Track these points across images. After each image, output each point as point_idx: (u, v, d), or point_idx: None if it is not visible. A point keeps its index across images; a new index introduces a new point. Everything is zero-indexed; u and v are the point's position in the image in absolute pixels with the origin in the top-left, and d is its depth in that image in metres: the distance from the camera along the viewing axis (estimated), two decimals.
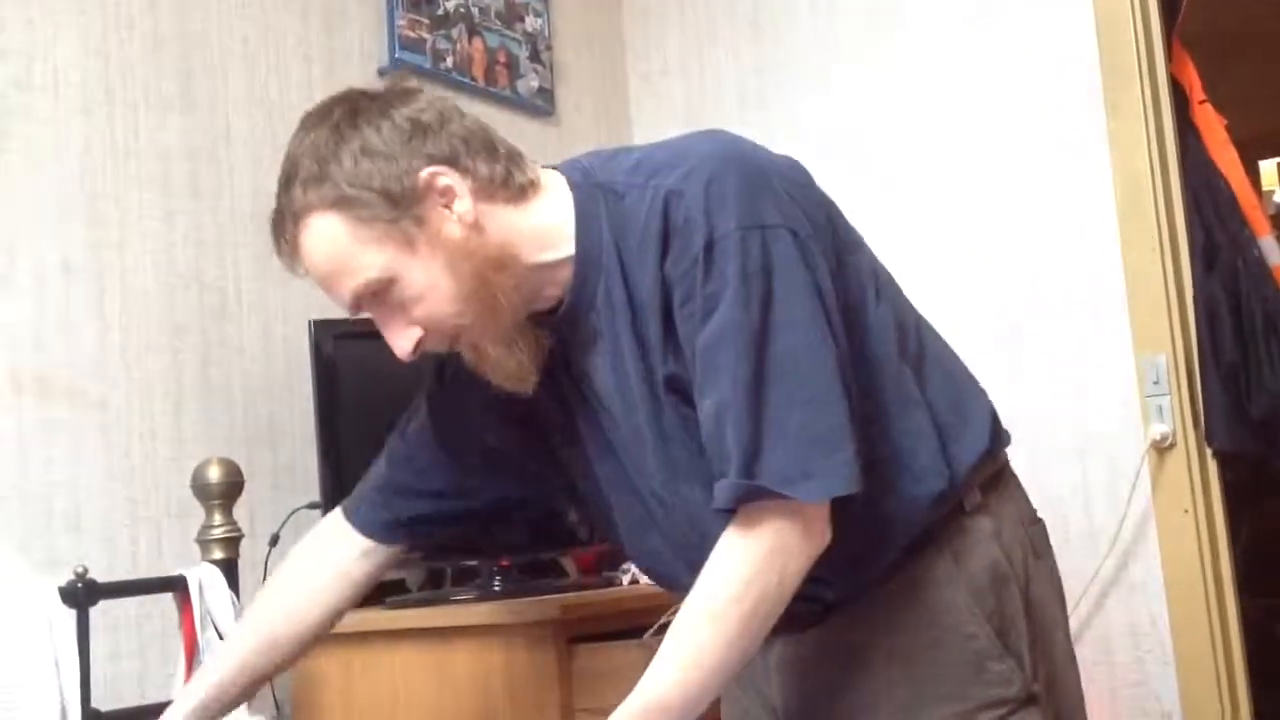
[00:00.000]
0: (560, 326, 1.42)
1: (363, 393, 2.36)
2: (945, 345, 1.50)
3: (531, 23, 3.09)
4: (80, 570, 1.84)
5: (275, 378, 2.46)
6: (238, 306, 2.43)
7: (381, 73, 2.74)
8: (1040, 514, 1.53)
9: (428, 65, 2.83)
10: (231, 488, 2.10)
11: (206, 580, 2.03)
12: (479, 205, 1.36)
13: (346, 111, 1.37)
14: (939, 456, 1.38)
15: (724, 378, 1.27)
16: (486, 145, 1.39)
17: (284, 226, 1.38)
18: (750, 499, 1.26)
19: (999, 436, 1.47)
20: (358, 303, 1.38)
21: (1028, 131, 2.79)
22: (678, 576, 1.42)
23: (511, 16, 3.05)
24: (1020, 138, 2.79)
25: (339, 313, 2.62)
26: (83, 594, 1.83)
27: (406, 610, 2.23)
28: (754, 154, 1.35)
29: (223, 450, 2.26)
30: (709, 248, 1.28)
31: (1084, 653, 2.57)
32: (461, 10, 2.92)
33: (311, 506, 2.37)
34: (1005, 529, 1.44)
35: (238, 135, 2.48)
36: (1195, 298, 2.64)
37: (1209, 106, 2.79)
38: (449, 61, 2.88)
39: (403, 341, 1.39)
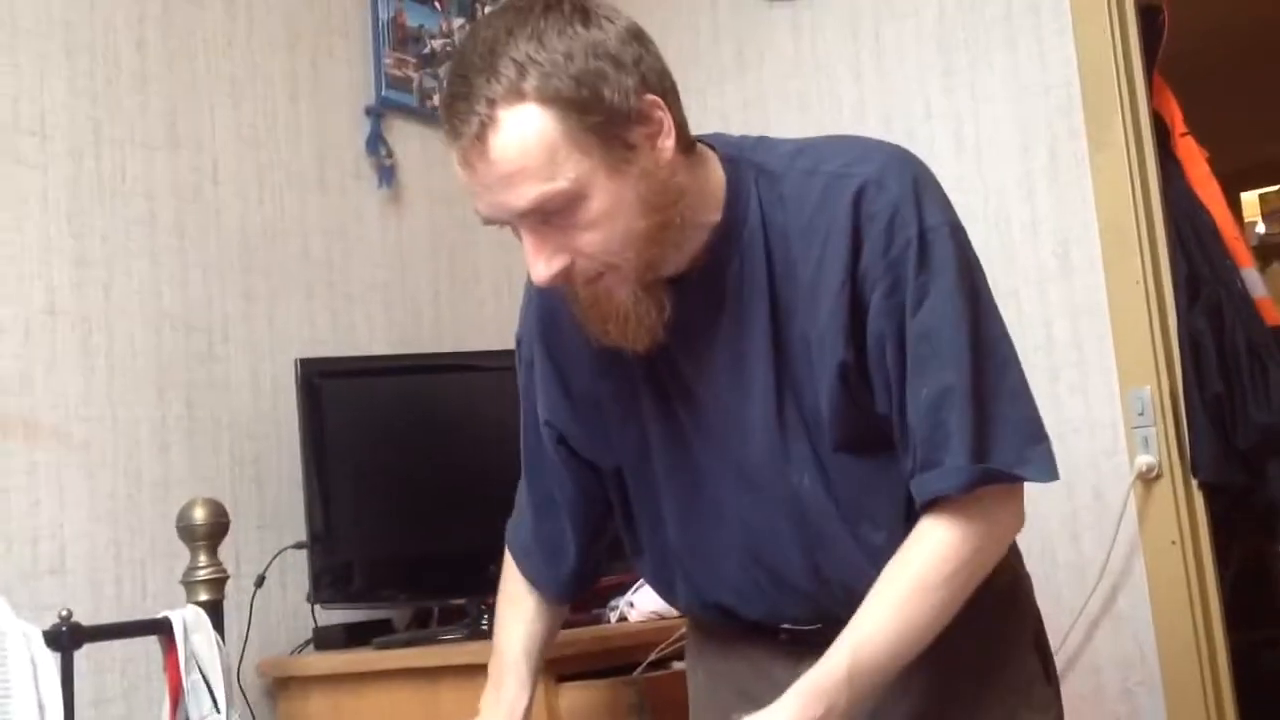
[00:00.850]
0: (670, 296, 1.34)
1: (350, 431, 2.36)
2: None
3: None
4: (64, 613, 1.83)
5: (261, 417, 2.46)
6: (224, 346, 2.42)
7: (368, 112, 2.75)
8: (1027, 545, 1.55)
9: (414, 104, 2.84)
10: (217, 528, 2.09)
11: (192, 622, 2.01)
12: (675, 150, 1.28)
13: (574, 4, 1.24)
14: None
15: (946, 365, 1.28)
16: (675, 88, 1.31)
17: (475, 107, 1.21)
18: (981, 483, 1.27)
19: None
20: (531, 212, 1.23)
21: (1011, 166, 2.80)
22: (724, 579, 1.43)
23: None
24: (1004, 172, 2.81)
25: (326, 350, 2.63)
26: (67, 637, 1.82)
27: (394, 650, 2.22)
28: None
29: (208, 490, 2.25)
30: (922, 237, 1.28)
31: (1073, 685, 2.57)
32: (447, 48, 2.93)
33: (298, 546, 2.37)
34: (1019, 560, 1.51)
35: (225, 174, 2.48)
36: (1179, 330, 2.65)
37: (1190, 139, 2.81)
38: (435, 100, 2.89)
39: (549, 266, 1.26)
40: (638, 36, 1.27)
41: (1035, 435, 1.31)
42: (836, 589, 1.38)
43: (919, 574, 1.28)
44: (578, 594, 1.62)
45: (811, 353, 1.32)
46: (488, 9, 3.04)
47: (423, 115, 2.84)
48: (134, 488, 2.25)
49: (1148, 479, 2.62)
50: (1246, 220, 5.46)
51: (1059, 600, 2.58)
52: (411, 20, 2.87)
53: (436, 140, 1.34)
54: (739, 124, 3.13)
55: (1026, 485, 1.48)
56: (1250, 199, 5.56)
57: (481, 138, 1.21)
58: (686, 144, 1.31)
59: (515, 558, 1.62)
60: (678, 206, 1.28)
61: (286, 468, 2.44)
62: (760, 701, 1.28)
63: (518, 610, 1.60)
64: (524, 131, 1.20)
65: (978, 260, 1.35)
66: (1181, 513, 2.60)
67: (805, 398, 1.34)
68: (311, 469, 2.32)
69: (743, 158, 1.37)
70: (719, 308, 1.35)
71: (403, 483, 2.39)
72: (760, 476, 1.38)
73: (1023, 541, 1.54)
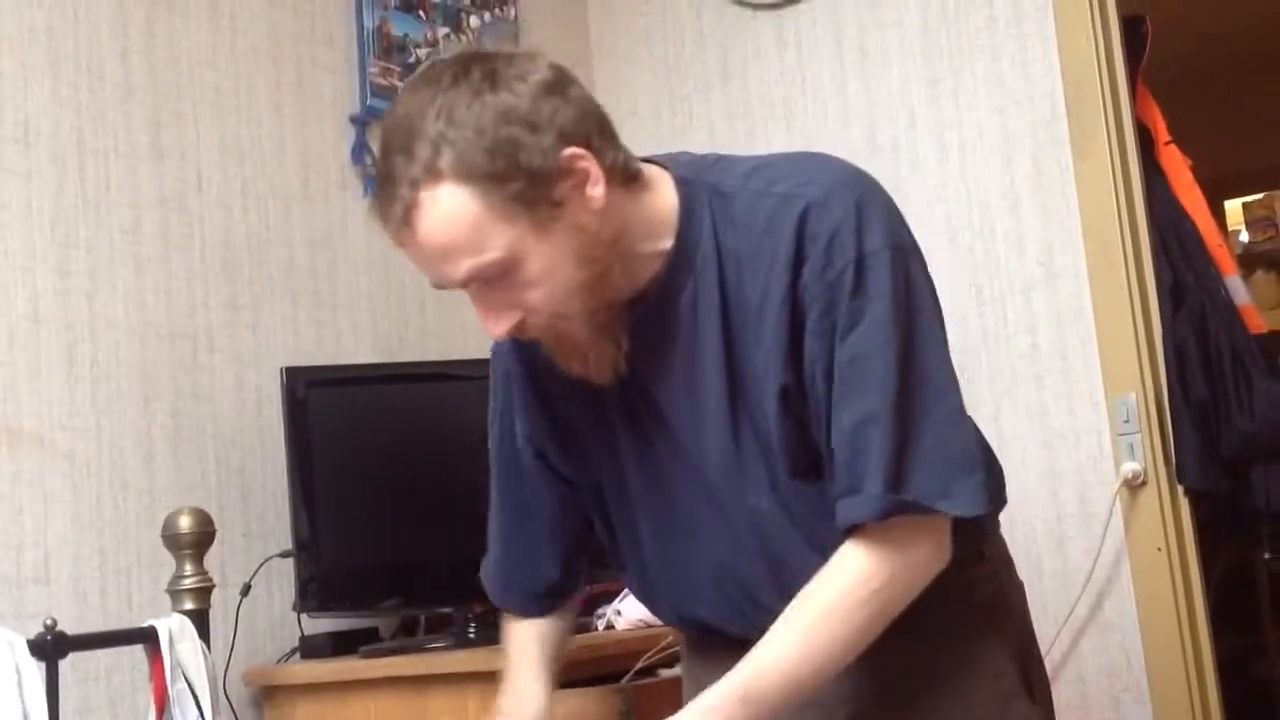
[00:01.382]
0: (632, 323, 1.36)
1: (335, 440, 2.36)
2: None
3: None
4: (49, 622, 1.82)
5: (247, 426, 2.45)
6: (209, 354, 2.42)
7: (353, 121, 2.75)
8: (1013, 553, 1.55)
9: None
10: (203, 537, 2.08)
11: (177, 631, 2.01)
12: (607, 191, 1.27)
13: (485, 75, 1.24)
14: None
15: (872, 392, 1.26)
16: (604, 125, 1.31)
17: (397, 193, 1.23)
18: (895, 513, 1.26)
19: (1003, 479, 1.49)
20: (468, 282, 1.27)
21: (996, 174, 2.81)
22: (700, 595, 1.43)
23: None
24: (988, 181, 2.81)
25: (310, 359, 2.63)
26: (51, 646, 1.81)
27: (381, 659, 2.22)
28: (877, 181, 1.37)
29: (194, 499, 2.25)
30: (860, 262, 1.27)
31: (1060, 692, 2.56)
32: (433, 58, 2.92)
33: (284, 555, 2.36)
34: (1008, 571, 1.49)
35: (209, 184, 2.48)
36: (1164, 337, 2.66)
37: (1174, 147, 2.82)
38: None
39: (501, 324, 1.30)
40: (552, 88, 1.26)
41: (966, 466, 1.29)
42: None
43: (827, 601, 1.28)
44: (559, 607, 1.62)
45: (760, 377, 1.33)
46: (473, 18, 3.05)
47: None
48: (119, 496, 2.24)
49: (1133, 486, 2.63)
50: (1230, 228, 5.47)
51: (1045, 608, 2.59)
52: (397, 29, 2.87)
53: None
54: (724, 132, 3.14)
55: (1011, 493, 1.48)
56: (1234, 207, 5.58)
57: (407, 220, 1.23)
58: (627, 176, 1.31)
59: (491, 591, 1.62)
60: (617, 249, 1.29)
61: (272, 476, 2.44)
62: None
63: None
64: (446, 210, 1.22)
65: (926, 284, 1.33)
66: (1167, 519, 2.61)
67: (759, 422, 1.34)
68: (297, 477, 2.31)
69: (698, 179, 1.36)
70: (675, 332, 1.35)
71: (389, 491, 2.38)
72: (721, 497, 1.39)
73: (1008, 549, 1.54)
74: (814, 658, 1.27)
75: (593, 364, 1.34)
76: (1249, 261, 5.20)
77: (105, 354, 2.26)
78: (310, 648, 2.37)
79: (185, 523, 2.07)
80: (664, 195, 1.35)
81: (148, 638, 2.00)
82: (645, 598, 1.56)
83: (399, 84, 2.84)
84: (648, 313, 1.35)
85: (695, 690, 1.55)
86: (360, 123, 2.76)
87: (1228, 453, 2.64)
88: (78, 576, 2.17)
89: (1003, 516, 1.55)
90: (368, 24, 2.80)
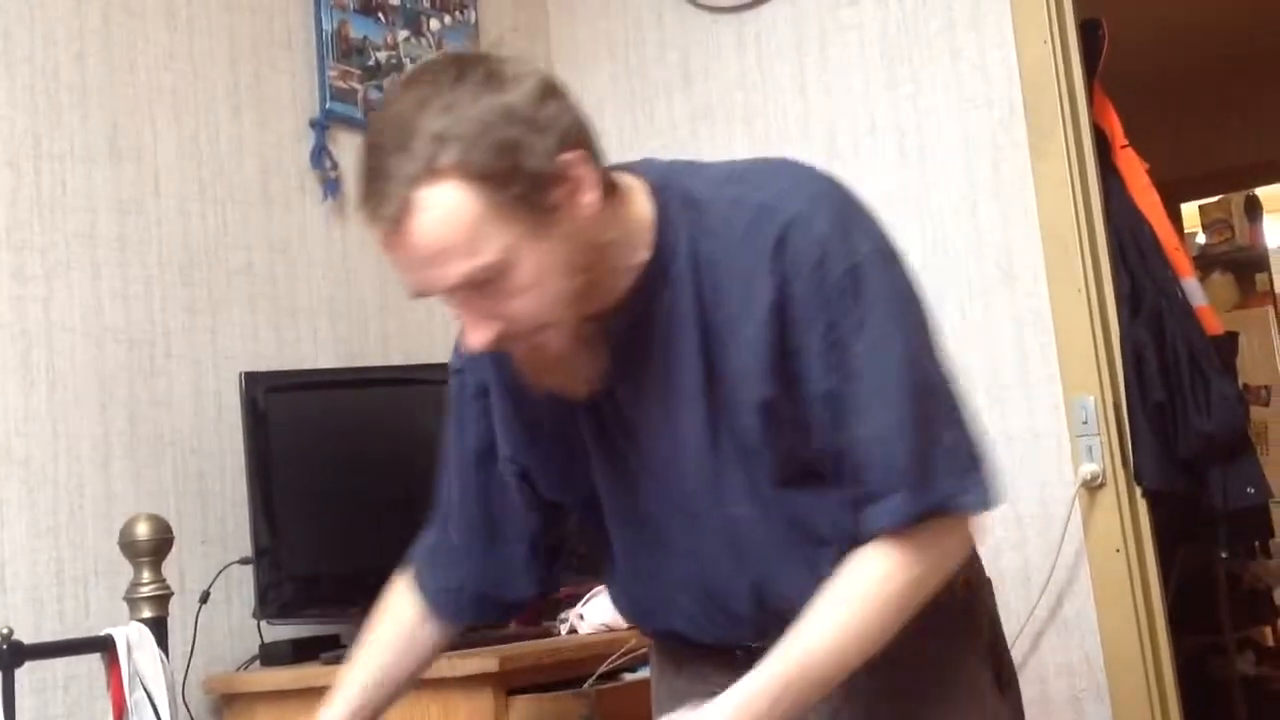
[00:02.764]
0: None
1: (295, 446, 2.34)
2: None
3: None
4: (5, 631, 1.81)
5: (205, 432, 2.43)
6: (166, 360, 2.40)
7: (312, 124, 2.74)
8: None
9: (359, 116, 2.82)
10: (161, 544, 2.07)
11: (135, 639, 1.99)
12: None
13: (485, 70, 1.21)
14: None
15: (889, 400, 1.27)
16: (593, 133, 1.28)
17: (389, 190, 1.19)
18: (924, 518, 1.27)
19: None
20: (459, 288, 1.22)
21: (955, 177, 2.82)
22: (674, 606, 1.43)
23: None
24: (947, 184, 2.83)
25: (270, 364, 2.61)
26: (8, 656, 1.80)
27: (343, 666, 2.20)
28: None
29: (151, 506, 2.23)
30: (855, 271, 1.28)
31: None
32: (392, 60, 2.92)
33: (243, 562, 2.35)
34: (978, 567, 1.50)
35: (167, 187, 2.46)
36: (1122, 339, 2.67)
37: (1131, 151, 2.84)
38: None
39: (484, 335, 1.26)
40: (550, 91, 1.24)
41: (974, 458, 1.31)
42: (786, 615, 1.38)
43: (861, 593, 1.28)
44: (512, 618, 1.61)
45: (738, 385, 1.32)
46: (433, 21, 3.04)
47: (367, 127, 2.82)
48: (76, 504, 2.22)
49: (1092, 487, 2.64)
50: (1187, 231, 5.52)
51: (1005, 608, 2.56)
52: (356, 32, 2.85)
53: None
54: (686, 136, 3.14)
55: None
56: (1190, 210, 5.63)
57: (402, 219, 1.19)
58: (608, 187, 1.28)
59: (428, 589, 1.58)
60: (606, 259, 1.28)
61: (231, 482, 2.42)
62: None
63: (389, 631, 1.58)
64: (445, 211, 1.18)
65: (912, 280, 1.35)
66: (1125, 520, 2.63)
67: (738, 431, 1.34)
68: (256, 484, 2.30)
69: (671, 185, 1.34)
70: (651, 342, 1.33)
71: (349, 497, 2.37)
72: (696, 505, 1.38)
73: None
74: (850, 647, 1.27)
75: (570, 378, 1.33)
76: (1205, 264, 5.25)
77: (61, 359, 2.24)
78: (270, 655, 2.36)
79: (143, 530, 2.05)
80: (639, 205, 1.33)
81: (105, 646, 1.99)
82: (621, 609, 1.57)
83: (358, 87, 2.83)
84: (624, 324, 1.33)
85: (666, 694, 1.56)
86: (320, 126, 2.74)
87: (1185, 454, 2.66)
88: (34, 584, 2.14)
89: None
90: (326, 26, 2.79)
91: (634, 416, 1.38)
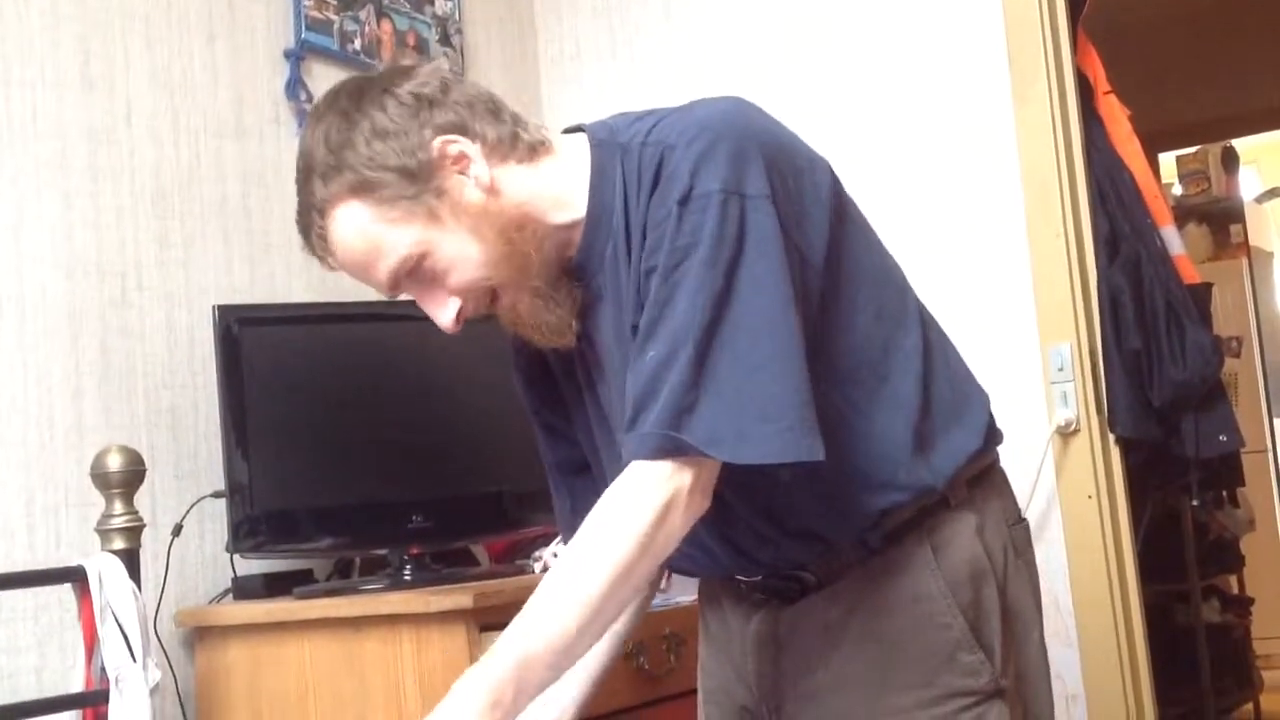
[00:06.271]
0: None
1: (269, 379, 2.33)
2: (949, 342, 1.52)
3: (441, 5, 3.06)
4: None
5: (178, 364, 2.41)
6: (138, 291, 2.37)
7: (287, 55, 2.70)
8: None
9: (335, 47, 2.78)
10: (133, 476, 2.05)
11: (107, 571, 1.98)
12: (493, 168, 1.37)
13: (351, 97, 1.38)
14: (924, 453, 1.39)
15: (676, 331, 1.26)
16: (491, 108, 1.40)
17: (311, 222, 1.39)
18: (667, 453, 1.25)
19: (992, 436, 1.48)
20: (395, 283, 1.38)
21: (937, 122, 2.81)
22: None
23: None
24: (929, 128, 2.82)
25: (244, 297, 2.59)
26: None
27: (315, 600, 2.20)
28: (758, 122, 1.36)
29: (123, 438, 2.21)
30: (684, 201, 1.29)
31: None
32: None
33: (216, 495, 2.34)
34: (989, 525, 1.45)
35: (139, 116, 2.42)
36: (1099, 286, 2.68)
37: (1113, 97, 2.83)
38: (357, 44, 2.83)
39: (445, 313, 1.40)
40: (420, 97, 1.37)
41: (768, 414, 1.25)
42: (746, 550, 1.42)
43: (590, 547, 1.27)
44: None
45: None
46: None
47: (344, 59, 2.79)
48: (46, 435, 2.20)
49: (1066, 434, 2.65)
50: (1164, 182, 5.53)
51: None
52: None
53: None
54: (666, 75, 3.11)
55: None
56: (1168, 161, 5.63)
57: (325, 245, 1.39)
58: (525, 152, 1.40)
59: None
60: (519, 217, 1.37)
61: (204, 416, 2.40)
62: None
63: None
64: (349, 228, 1.36)
65: (770, 233, 1.29)
66: (1098, 467, 2.64)
67: None
68: (229, 417, 2.28)
69: (611, 140, 1.40)
70: (601, 292, 1.41)
71: (323, 432, 2.36)
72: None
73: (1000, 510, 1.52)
74: (582, 607, 1.26)
75: (549, 332, 1.40)
76: (1181, 215, 5.26)
77: (31, 290, 2.21)
78: (243, 589, 2.35)
79: (115, 461, 2.04)
80: (574, 163, 1.40)
81: (76, 577, 1.98)
82: None
83: (334, 17, 2.79)
84: (584, 276, 1.41)
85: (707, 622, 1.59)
86: (294, 57, 2.70)
87: (1159, 402, 2.68)
88: (5, 515, 2.12)
89: None
90: None
91: (601, 358, 1.44)
